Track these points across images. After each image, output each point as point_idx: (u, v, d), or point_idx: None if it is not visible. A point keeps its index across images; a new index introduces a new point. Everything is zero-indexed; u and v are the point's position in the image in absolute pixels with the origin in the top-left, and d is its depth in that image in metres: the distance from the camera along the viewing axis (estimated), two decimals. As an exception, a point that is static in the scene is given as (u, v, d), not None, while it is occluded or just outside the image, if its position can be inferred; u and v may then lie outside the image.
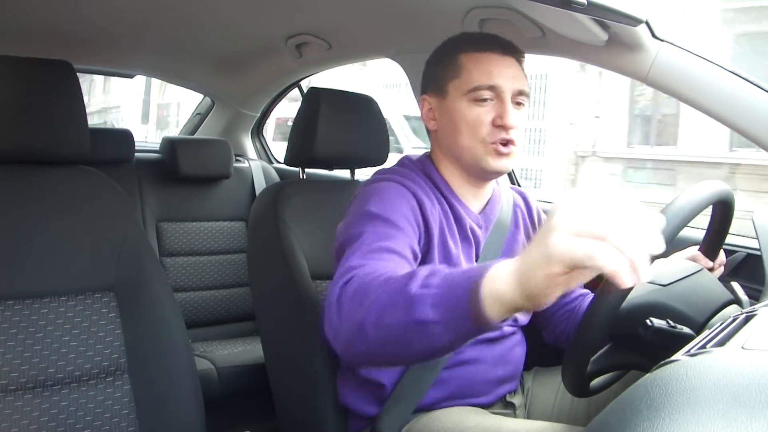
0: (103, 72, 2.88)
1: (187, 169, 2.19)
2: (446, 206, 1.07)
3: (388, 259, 0.86)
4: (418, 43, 1.21)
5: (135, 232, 1.14)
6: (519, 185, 1.78)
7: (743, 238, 1.25)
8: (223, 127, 2.64)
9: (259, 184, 2.37)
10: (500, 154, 1.03)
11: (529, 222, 1.20)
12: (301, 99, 1.46)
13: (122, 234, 1.12)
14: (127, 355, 1.08)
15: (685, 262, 1.02)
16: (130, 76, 2.78)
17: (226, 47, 2.05)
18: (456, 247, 1.05)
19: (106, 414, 1.04)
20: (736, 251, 1.23)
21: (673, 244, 0.90)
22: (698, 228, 1.19)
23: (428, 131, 1.14)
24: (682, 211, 0.86)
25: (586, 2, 0.92)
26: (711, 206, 0.98)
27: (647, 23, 1.11)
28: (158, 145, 2.37)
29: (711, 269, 1.06)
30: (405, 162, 1.13)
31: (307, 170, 1.53)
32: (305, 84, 2.40)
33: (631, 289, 0.84)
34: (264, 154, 2.77)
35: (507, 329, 1.12)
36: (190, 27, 1.83)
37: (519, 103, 1.06)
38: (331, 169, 1.68)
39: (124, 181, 1.25)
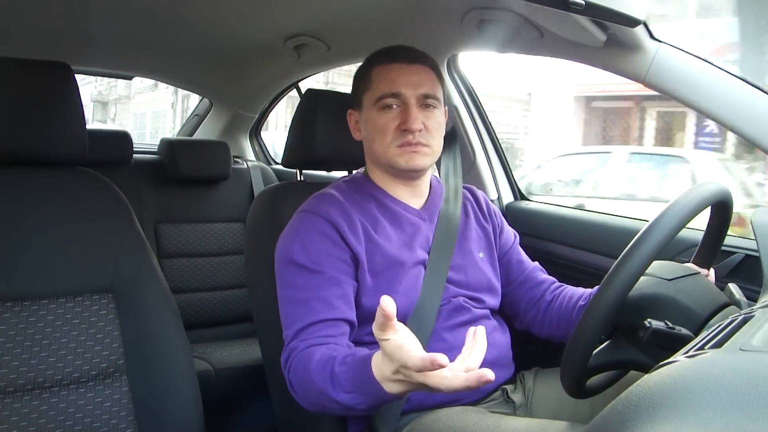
0: (102, 74, 2.90)
1: (185, 171, 2.19)
2: (380, 209, 1.17)
3: (316, 335, 1.03)
4: (417, 44, 1.21)
5: (133, 234, 1.14)
6: (522, 195, 1.79)
7: (741, 239, 1.25)
8: (222, 129, 2.65)
9: (258, 186, 2.37)
10: (409, 153, 1.12)
11: (478, 210, 1.31)
12: (299, 100, 1.46)
13: (120, 235, 1.12)
14: (125, 356, 1.08)
15: (683, 264, 1.03)
16: (129, 78, 2.79)
17: (224, 49, 2.05)
18: (389, 241, 1.14)
19: (105, 416, 1.04)
20: (734, 252, 1.23)
21: (672, 244, 0.91)
22: (697, 229, 1.20)
23: None
24: (681, 212, 0.86)
25: (584, 3, 0.91)
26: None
27: (645, 24, 1.11)
28: (156, 147, 2.37)
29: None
30: (338, 184, 1.22)
31: (305, 171, 1.53)
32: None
33: (628, 291, 0.85)
34: (262, 156, 2.77)
35: (477, 311, 1.18)
36: (188, 29, 1.83)
37: (429, 106, 1.14)
38: (329, 170, 1.68)
39: (123, 183, 1.25)
